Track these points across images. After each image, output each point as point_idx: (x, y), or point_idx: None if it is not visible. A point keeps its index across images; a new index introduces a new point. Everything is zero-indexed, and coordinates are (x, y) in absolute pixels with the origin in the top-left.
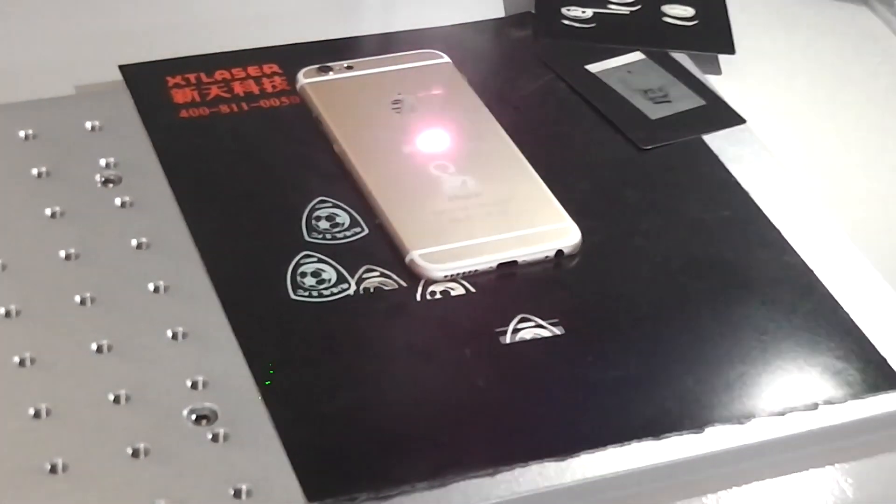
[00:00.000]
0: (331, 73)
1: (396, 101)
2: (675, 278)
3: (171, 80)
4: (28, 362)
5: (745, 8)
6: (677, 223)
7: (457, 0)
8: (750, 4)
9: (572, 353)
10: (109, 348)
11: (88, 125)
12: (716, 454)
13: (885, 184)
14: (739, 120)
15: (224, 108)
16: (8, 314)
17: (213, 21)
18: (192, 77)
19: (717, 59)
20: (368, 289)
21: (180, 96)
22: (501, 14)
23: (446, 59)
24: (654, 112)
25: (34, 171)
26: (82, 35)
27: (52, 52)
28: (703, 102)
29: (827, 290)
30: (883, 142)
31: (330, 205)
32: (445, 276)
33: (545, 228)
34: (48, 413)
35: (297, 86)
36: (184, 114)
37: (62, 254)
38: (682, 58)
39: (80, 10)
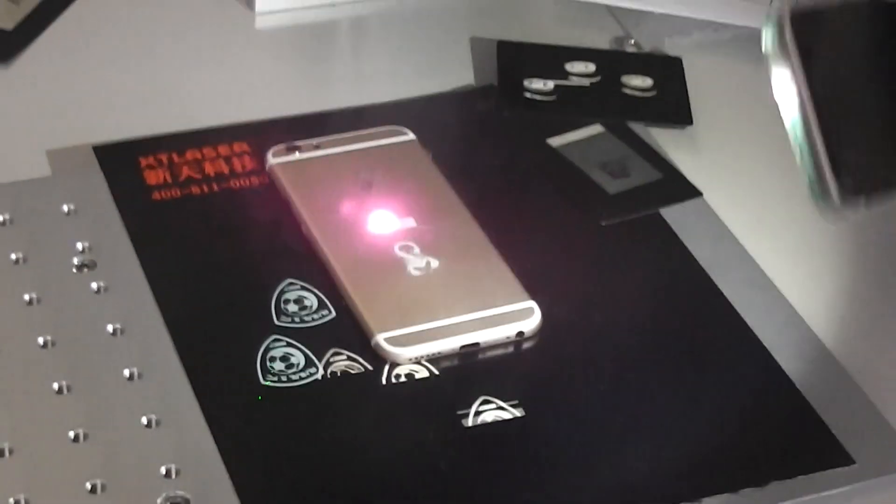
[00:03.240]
0: (297, 152)
1: (368, 182)
2: (631, 356)
3: (143, 161)
4: (7, 452)
5: (702, 77)
6: (634, 300)
7: (424, 72)
8: (707, 73)
9: (531, 435)
10: (86, 436)
11: (64, 208)
12: None
13: (840, 257)
14: (695, 193)
15: (195, 189)
16: None
17: (186, 96)
18: (163, 158)
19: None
20: (336, 373)
21: (153, 177)
22: (467, 85)
23: (411, 136)
24: (613, 186)
25: (12, 257)
26: (56, 111)
27: (24, 132)
28: (660, 175)
29: (779, 366)
30: None
31: (298, 287)
32: (410, 359)
33: (507, 309)
34: (26, 503)
35: (266, 166)
36: (156, 196)
37: (40, 341)
38: (640, 127)
39: (52, 87)
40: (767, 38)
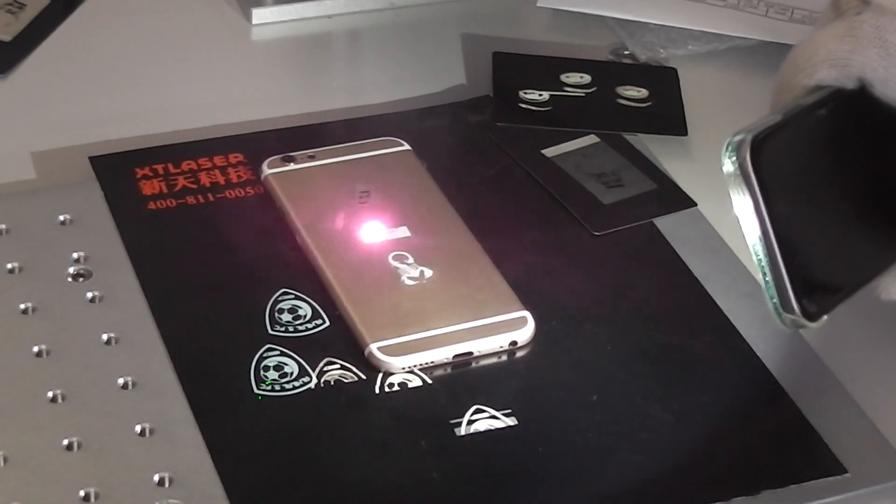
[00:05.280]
0: (293, 163)
1: (363, 193)
2: (625, 366)
3: (139, 172)
4: (1, 461)
5: (697, 87)
6: (627, 309)
7: (420, 83)
8: (702, 84)
9: (524, 444)
10: (80, 445)
11: (60, 218)
12: None
13: None
14: (690, 203)
15: (191, 200)
16: None
17: (182, 107)
18: (159, 168)
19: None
20: (329, 381)
21: (148, 188)
22: (462, 96)
23: (406, 146)
24: (607, 197)
25: (8, 266)
26: (53, 122)
27: (21, 142)
28: (654, 186)
29: (772, 377)
30: None
31: (292, 297)
32: (403, 369)
33: (500, 319)
34: None
35: (262, 176)
36: (151, 206)
37: (34, 350)
38: (635, 138)
39: (50, 97)
40: (727, 165)
